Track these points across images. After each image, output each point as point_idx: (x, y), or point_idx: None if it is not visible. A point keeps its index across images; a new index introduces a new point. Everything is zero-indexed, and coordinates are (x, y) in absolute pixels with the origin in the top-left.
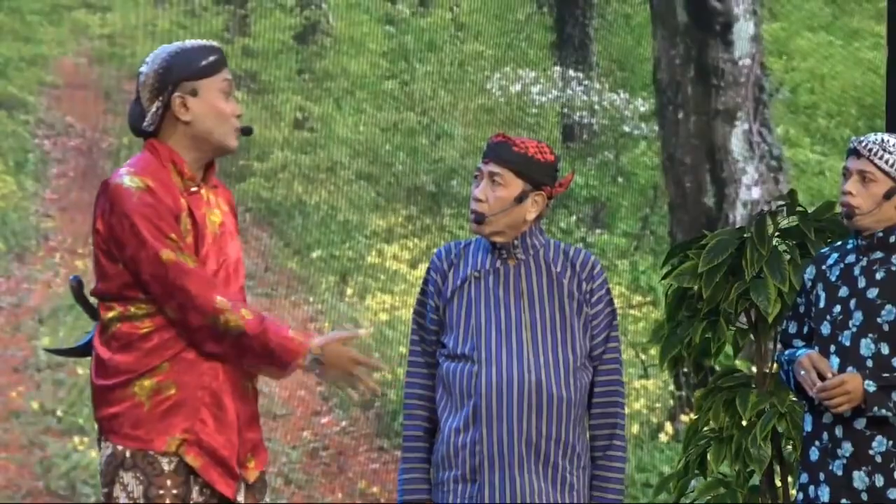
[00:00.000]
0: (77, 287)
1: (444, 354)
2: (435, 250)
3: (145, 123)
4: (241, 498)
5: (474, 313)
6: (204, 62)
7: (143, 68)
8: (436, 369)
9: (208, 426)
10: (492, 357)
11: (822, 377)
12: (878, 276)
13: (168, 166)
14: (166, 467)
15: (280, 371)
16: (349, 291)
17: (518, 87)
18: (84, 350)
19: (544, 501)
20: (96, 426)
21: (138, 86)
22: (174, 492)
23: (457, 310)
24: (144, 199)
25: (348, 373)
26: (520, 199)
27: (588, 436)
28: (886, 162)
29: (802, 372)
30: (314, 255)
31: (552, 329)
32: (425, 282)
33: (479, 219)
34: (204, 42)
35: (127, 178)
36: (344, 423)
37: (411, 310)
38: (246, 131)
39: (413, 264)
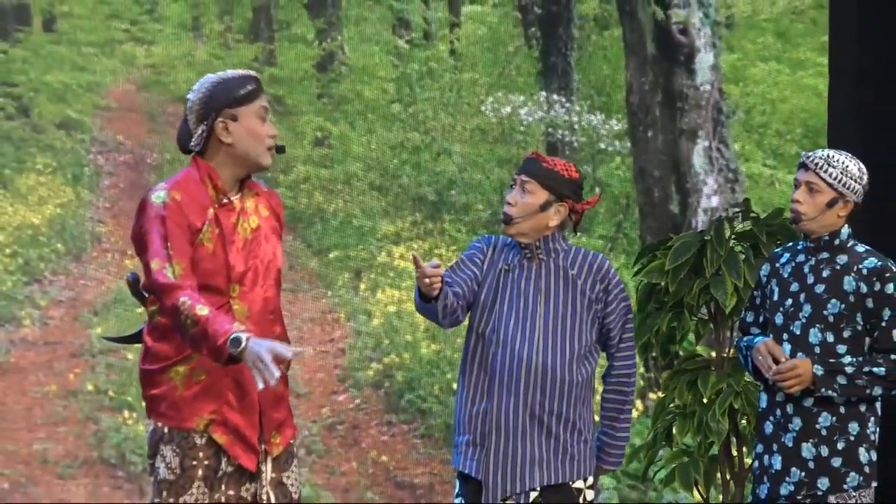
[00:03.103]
0: (133, 283)
1: (470, 328)
2: (475, 239)
3: (192, 143)
4: (266, 468)
5: (499, 300)
6: (242, 91)
7: (191, 95)
8: (461, 290)
9: (234, 408)
10: (507, 340)
11: (776, 361)
12: (825, 273)
13: (206, 181)
14: (198, 441)
15: (215, 352)
16: (362, 287)
17: (508, 109)
18: (135, 338)
19: (543, 468)
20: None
21: (186, 110)
22: (206, 462)
23: (486, 292)
24: (161, 214)
25: (260, 358)
26: (544, 207)
27: (599, 411)
28: (830, 175)
29: (759, 357)
30: (332, 255)
31: (563, 321)
32: (475, 248)
33: (507, 219)
34: (243, 72)
35: (155, 194)
36: (358, 401)
37: (416, 303)
38: (280, 149)
39: None
